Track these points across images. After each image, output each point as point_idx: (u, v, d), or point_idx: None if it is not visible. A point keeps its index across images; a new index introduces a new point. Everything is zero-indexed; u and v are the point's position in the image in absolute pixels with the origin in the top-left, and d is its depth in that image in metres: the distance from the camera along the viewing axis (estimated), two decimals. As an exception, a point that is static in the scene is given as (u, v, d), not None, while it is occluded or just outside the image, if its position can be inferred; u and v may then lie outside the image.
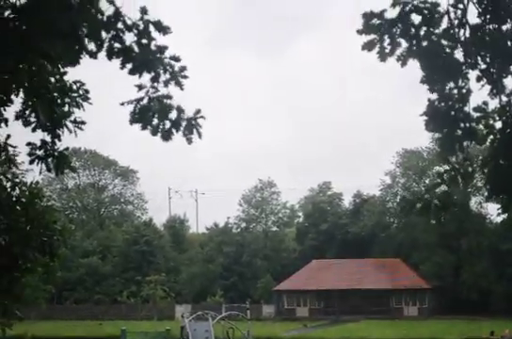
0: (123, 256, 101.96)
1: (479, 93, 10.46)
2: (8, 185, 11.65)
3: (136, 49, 8.91)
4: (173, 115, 9.36)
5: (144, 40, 8.91)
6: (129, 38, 8.81)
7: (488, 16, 9.98)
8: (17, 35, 8.31)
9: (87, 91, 10.38)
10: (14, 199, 11.50)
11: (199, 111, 9.41)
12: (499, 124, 10.73)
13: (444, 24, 10.02)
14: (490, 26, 10.00)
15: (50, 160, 10.52)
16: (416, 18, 9.86)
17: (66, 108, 10.30)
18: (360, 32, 9.82)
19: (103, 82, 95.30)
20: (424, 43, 9.89)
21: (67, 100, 10.25)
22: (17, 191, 11.55)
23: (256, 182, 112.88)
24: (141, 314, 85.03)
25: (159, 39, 8.90)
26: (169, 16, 8.92)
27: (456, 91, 10.25)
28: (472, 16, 10.07)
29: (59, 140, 10.44)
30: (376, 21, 9.81)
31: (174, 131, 9.39)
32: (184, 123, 9.36)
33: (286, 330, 74.05)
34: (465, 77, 10.22)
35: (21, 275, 11.67)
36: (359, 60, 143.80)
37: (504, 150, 10.64)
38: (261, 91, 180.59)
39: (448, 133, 10.46)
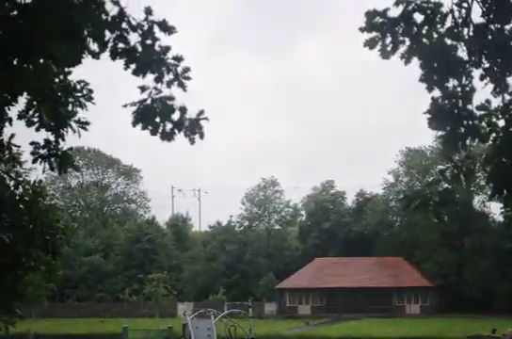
0: (126, 254, 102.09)
1: (482, 92, 10.48)
2: (12, 183, 11.68)
3: (140, 49, 8.93)
4: (176, 115, 9.38)
5: (148, 41, 8.92)
6: (133, 38, 8.82)
7: (492, 16, 10.00)
8: (21, 34, 8.33)
9: (90, 91, 10.39)
10: (17, 197, 11.53)
11: (202, 112, 9.41)
12: (502, 123, 10.75)
13: (448, 22, 10.04)
14: (494, 26, 10.02)
15: (53, 159, 10.55)
16: (418, 17, 9.90)
17: (70, 108, 10.32)
18: (362, 30, 9.84)
19: (107, 81, 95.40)
20: (427, 42, 9.91)
21: (71, 100, 10.27)
22: (20, 190, 11.58)
23: (259, 181, 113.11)
24: (143, 311, 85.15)
25: (162, 39, 8.92)
26: (171, 17, 8.86)
27: (459, 89, 10.27)
28: (476, 15, 10.10)
29: (63, 140, 10.47)
30: (378, 19, 9.84)
31: (177, 131, 9.40)
32: (186, 124, 9.37)
33: (288, 327, 74.10)
34: (469, 75, 10.24)
35: (24, 273, 11.70)
36: (360, 60, 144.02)
37: (507, 148, 10.65)
38: (263, 91, 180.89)
39: (451, 131, 10.47)
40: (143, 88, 9.29)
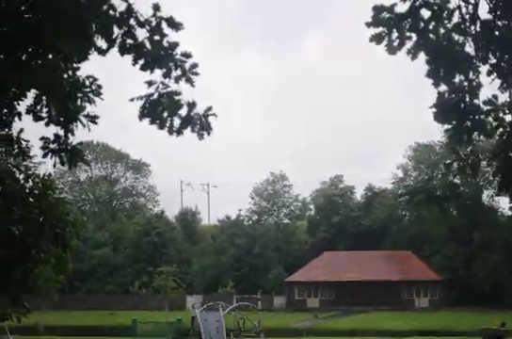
0: (135, 248, 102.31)
1: (489, 87, 10.52)
2: (22, 177, 11.76)
3: (148, 45, 8.99)
4: (184, 111, 9.44)
5: (156, 37, 8.97)
6: (141, 34, 8.87)
7: (499, 12, 10.03)
8: (30, 30, 8.39)
9: (99, 86, 10.46)
10: (27, 190, 11.61)
11: (210, 108, 9.47)
12: (509, 118, 10.80)
13: (455, 18, 10.07)
14: (501, 22, 10.06)
15: (63, 154, 10.63)
16: (425, 13, 9.93)
17: (79, 103, 10.39)
18: (368, 25, 9.86)
19: (114, 75, 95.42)
20: (433, 38, 9.95)
21: (79, 95, 10.34)
22: (30, 183, 11.66)
23: (268, 175, 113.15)
24: (152, 304, 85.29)
25: (170, 35, 8.96)
26: (177, 13, 8.91)
27: (466, 84, 10.31)
28: (483, 11, 10.13)
29: (72, 134, 10.54)
30: (385, 14, 9.87)
31: (185, 127, 9.47)
32: (194, 119, 9.43)
33: (297, 320, 74.27)
34: (476, 71, 10.27)
35: (34, 266, 11.79)
36: (366, 54, 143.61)
37: (514, 143, 10.70)
38: (270, 86, 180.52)
39: (457, 125, 10.51)
40: (150, 83, 9.35)
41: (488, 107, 10.59)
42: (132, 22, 8.83)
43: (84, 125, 10.47)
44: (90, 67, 10.54)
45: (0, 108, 10.27)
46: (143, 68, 9.08)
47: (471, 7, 10.14)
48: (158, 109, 9.38)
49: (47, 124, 10.40)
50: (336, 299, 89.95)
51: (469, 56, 10.11)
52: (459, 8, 10.07)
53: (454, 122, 10.51)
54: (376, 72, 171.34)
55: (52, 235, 11.48)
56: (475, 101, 10.44)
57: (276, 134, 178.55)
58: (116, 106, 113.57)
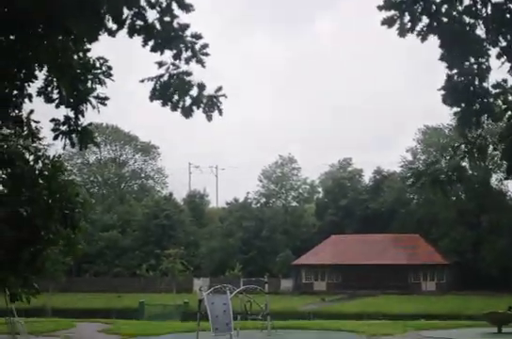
0: (143, 230, 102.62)
1: (499, 71, 10.49)
2: (31, 158, 11.79)
3: (158, 26, 8.97)
4: (194, 92, 9.44)
5: (167, 18, 8.95)
6: (151, 15, 8.85)
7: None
8: (39, 10, 8.38)
9: (109, 68, 10.46)
10: (37, 172, 11.64)
11: (220, 89, 9.46)
12: (518, 101, 10.77)
13: (467, 0, 10.02)
14: (512, 5, 10.00)
15: (74, 135, 10.66)
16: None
17: (89, 85, 10.40)
18: (380, 8, 9.82)
19: (125, 57, 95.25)
20: (445, 20, 9.90)
21: (90, 76, 10.35)
22: (40, 164, 11.69)
23: (276, 158, 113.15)
24: (160, 287, 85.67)
25: (181, 17, 8.94)
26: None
27: (475, 67, 10.28)
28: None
29: (83, 116, 10.57)
30: (397, -3, 9.81)
31: (195, 108, 9.47)
32: (204, 100, 9.43)
33: (304, 303, 74.58)
34: (485, 54, 10.24)
35: (43, 247, 11.85)
36: (375, 38, 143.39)
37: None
38: (281, 68, 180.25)
39: (466, 107, 10.50)
40: (160, 64, 9.35)
41: (497, 91, 10.56)
42: (142, 3, 8.81)
43: (94, 107, 10.49)
44: (100, 48, 10.57)
45: (10, 90, 10.30)
46: (153, 49, 9.06)
47: (482, -11, 10.08)
48: (169, 90, 9.38)
49: (57, 106, 10.42)
50: (343, 283, 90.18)
51: (479, 38, 10.08)
52: (471, -10, 10.02)
53: (462, 105, 10.50)
54: (386, 54, 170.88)
55: (61, 217, 11.53)
56: (484, 84, 10.41)
57: (285, 116, 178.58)
58: (125, 88, 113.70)
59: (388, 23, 9.77)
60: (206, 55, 9.19)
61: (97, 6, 8.51)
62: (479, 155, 11.88)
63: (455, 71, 10.22)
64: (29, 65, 9.74)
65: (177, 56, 9.20)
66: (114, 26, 8.86)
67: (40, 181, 11.58)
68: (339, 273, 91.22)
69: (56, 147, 11.99)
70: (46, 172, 11.65)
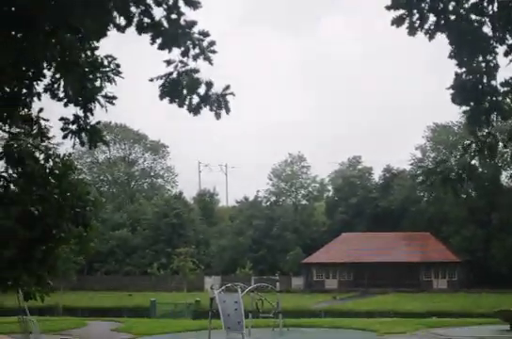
0: (153, 229, 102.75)
1: (507, 69, 10.50)
2: (42, 157, 11.83)
3: (165, 24, 9.01)
4: (202, 90, 9.47)
5: (173, 16, 8.98)
6: (158, 13, 8.88)
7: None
8: (38, 7, 8.40)
9: (118, 66, 10.48)
10: (47, 170, 11.69)
11: (228, 87, 9.49)
12: (526, 99, 10.76)
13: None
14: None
15: (83, 134, 10.71)
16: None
17: (98, 83, 10.44)
18: (388, 8, 9.85)
19: (133, 56, 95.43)
20: (452, 18, 9.92)
21: (98, 75, 10.39)
22: (50, 163, 11.73)
23: (286, 156, 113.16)
24: (171, 285, 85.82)
25: (188, 14, 8.97)
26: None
27: (483, 65, 10.30)
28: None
29: (92, 114, 10.61)
30: (404, -4, 9.84)
31: (203, 105, 9.51)
32: (212, 98, 9.47)
33: (315, 301, 74.58)
34: (493, 51, 10.25)
35: (55, 245, 11.89)
36: (386, 34, 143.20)
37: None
38: (289, 67, 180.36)
39: (475, 106, 10.52)
40: (169, 62, 9.39)
41: (506, 89, 10.57)
42: (149, 0, 8.85)
43: (102, 106, 10.54)
44: (108, 46, 10.62)
45: (19, 88, 10.36)
46: (161, 47, 9.09)
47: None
48: (178, 88, 9.43)
49: (66, 105, 10.47)
50: (354, 281, 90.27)
51: (486, 36, 10.09)
52: (477, -13, 10.03)
53: (471, 104, 10.52)
54: (396, 52, 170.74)
55: (72, 215, 11.58)
56: (493, 82, 10.42)
57: (295, 114, 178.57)
58: (133, 87, 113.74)
59: (397, 22, 9.80)
60: (214, 52, 9.23)
61: (104, 2, 8.54)
62: (489, 153, 11.87)
63: (463, 69, 10.23)
64: (38, 63, 9.79)
65: (185, 54, 9.24)
66: (123, 22, 8.90)
67: (51, 179, 11.62)
68: (350, 271, 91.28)
69: (65, 146, 12.04)
70: (57, 171, 11.68)
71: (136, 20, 8.91)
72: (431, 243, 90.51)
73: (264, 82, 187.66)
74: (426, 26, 9.87)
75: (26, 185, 11.53)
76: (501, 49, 10.18)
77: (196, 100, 9.52)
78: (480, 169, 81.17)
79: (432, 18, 9.86)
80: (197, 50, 9.21)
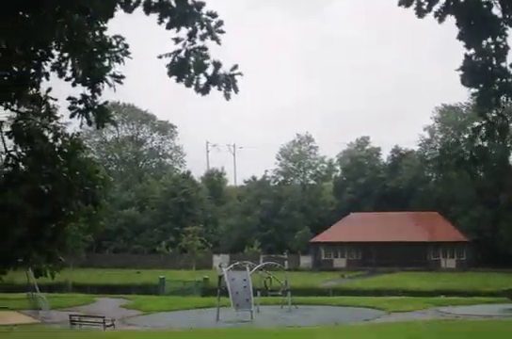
0: (161, 208, 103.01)
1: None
2: (50, 136, 11.87)
3: (173, 4, 8.99)
4: (210, 70, 9.46)
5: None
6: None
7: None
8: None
9: (126, 46, 10.47)
10: (56, 149, 11.72)
11: (236, 67, 9.48)
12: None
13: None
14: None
15: (91, 114, 10.75)
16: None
17: (106, 63, 10.45)
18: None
19: (140, 36, 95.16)
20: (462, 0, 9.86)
21: (107, 55, 10.39)
22: (59, 142, 11.77)
23: (294, 136, 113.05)
24: (179, 263, 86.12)
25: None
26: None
27: (493, 47, 10.25)
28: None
29: (99, 94, 10.63)
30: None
31: (211, 85, 9.50)
32: (220, 78, 9.46)
33: (324, 280, 74.82)
34: (503, 33, 10.21)
35: (64, 223, 11.96)
36: (394, 18, 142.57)
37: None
38: (296, 48, 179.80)
39: (484, 88, 10.49)
40: (177, 40, 9.36)
41: (515, 70, 10.54)
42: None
43: (110, 85, 10.55)
44: (116, 26, 10.61)
45: (28, 68, 10.39)
46: (169, 26, 9.07)
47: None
48: (186, 66, 9.42)
49: (74, 84, 10.49)
50: (362, 260, 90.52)
51: (496, 18, 10.04)
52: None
53: (481, 86, 10.49)
54: (406, 33, 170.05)
55: (82, 193, 11.64)
56: (503, 64, 10.38)
57: (303, 95, 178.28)
58: (141, 67, 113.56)
59: (405, 3, 9.75)
60: (222, 32, 9.22)
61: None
62: (500, 135, 11.86)
63: (472, 51, 10.18)
64: (46, 44, 9.80)
65: (193, 34, 9.23)
66: (130, 2, 8.90)
67: (60, 158, 11.66)
68: (358, 250, 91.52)
69: (73, 125, 12.07)
70: (66, 150, 11.72)
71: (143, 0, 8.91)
72: (439, 223, 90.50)
73: (270, 62, 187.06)
74: (435, 8, 9.81)
75: (36, 164, 11.58)
76: (511, 31, 10.13)
77: (203, 80, 9.52)
78: (488, 151, 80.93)
79: (442, 0, 9.80)
80: (204, 30, 9.19)
